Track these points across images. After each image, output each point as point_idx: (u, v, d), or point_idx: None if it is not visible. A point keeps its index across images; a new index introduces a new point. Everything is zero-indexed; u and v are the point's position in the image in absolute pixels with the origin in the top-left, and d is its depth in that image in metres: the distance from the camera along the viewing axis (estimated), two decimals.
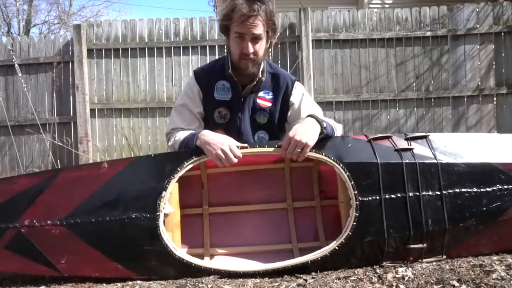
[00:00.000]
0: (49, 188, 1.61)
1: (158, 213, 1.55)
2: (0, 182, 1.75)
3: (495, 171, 1.57)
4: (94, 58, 5.03)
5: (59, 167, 4.65)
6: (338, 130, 1.79)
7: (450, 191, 1.55)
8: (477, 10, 5.05)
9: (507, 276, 1.40)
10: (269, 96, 1.86)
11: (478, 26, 5.03)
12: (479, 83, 5.05)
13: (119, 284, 1.55)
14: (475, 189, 1.56)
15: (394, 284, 1.40)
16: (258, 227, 1.74)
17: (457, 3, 5.38)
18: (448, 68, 5.06)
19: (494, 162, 1.59)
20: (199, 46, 5.04)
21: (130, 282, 1.55)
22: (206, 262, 1.58)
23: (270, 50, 1.89)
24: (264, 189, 1.86)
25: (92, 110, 4.97)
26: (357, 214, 1.51)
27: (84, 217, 1.57)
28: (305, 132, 1.54)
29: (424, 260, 1.56)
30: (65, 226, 1.57)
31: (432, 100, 5.06)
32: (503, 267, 1.47)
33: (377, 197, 1.53)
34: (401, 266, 1.53)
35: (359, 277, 1.47)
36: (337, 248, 1.51)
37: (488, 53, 5.05)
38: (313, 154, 1.58)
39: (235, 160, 1.57)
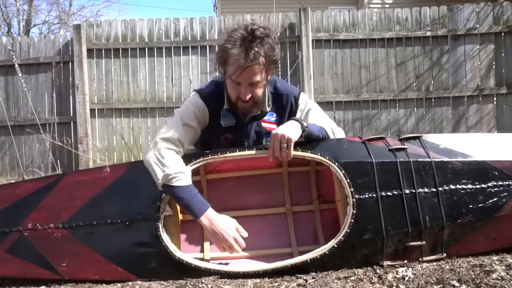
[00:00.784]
0: (52, 192, 1.62)
1: (158, 215, 1.56)
2: (4, 187, 1.76)
3: (489, 169, 1.60)
4: (94, 58, 5.03)
5: (59, 167, 4.66)
6: (338, 134, 1.79)
7: (446, 188, 1.58)
8: (477, 10, 5.05)
9: (507, 276, 1.40)
10: (273, 118, 1.82)
11: (478, 26, 5.03)
12: (479, 83, 5.06)
13: (119, 285, 1.55)
14: (470, 186, 1.58)
15: (394, 284, 1.40)
16: (257, 231, 1.74)
17: (457, 3, 5.39)
18: (448, 68, 5.07)
19: (488, 159, 1.62)
20: (199, 46, 5.04)
21: (130, 283, 1.56)
22: (206, 263, 1.59)
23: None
24: (263, 193, 1.87)
25: (92, 110, 4.98)
26: (355, 211, 1.53)
27: (86, 219, 1.58)
28: (285, 129, 1.56)
29: (424, 258, 1.57)
30: (67, 229, 1.58)
31: (432, 100, 5.06)
32: (503, 267, 1.48)
33: (374, 195, 1.55)
34: (401, 266, 1.53)
35: (359, 277, 1.47)
36: (336, 246, 1.52)
37: (488, 53, 5.06)
38: (309, 155, 1.60)
39: (240, 252, 1.57)
